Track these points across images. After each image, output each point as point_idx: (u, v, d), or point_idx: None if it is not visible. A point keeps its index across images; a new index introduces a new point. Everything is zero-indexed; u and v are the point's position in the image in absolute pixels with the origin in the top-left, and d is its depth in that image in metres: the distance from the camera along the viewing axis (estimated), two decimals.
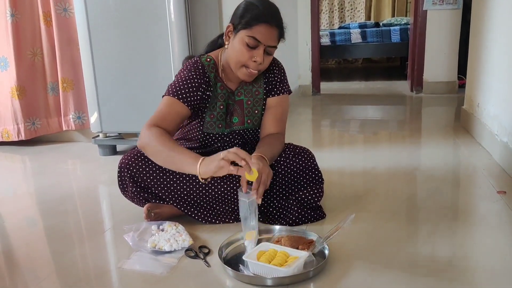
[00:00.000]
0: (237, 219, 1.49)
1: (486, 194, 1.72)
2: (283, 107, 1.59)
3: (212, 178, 1.37)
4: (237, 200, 1.49)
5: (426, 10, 4.32)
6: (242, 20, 1.38)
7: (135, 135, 2.60)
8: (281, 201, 1.51)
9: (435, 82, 4.48)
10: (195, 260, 1.27)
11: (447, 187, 1.87)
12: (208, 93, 1.49)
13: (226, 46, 1.47)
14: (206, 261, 1.25)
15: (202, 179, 1.28)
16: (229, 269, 1.17)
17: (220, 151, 1.26)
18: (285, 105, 1.60)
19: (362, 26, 6.67)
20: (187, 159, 1.29)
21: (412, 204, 1.69)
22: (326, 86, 5.27)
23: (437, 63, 4.43)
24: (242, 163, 1.22)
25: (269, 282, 1.12)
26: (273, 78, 1.58)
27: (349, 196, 1.75)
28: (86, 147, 2.83)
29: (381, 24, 6.79)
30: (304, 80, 4.82)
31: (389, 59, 8.15)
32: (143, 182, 1.49)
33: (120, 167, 1.52)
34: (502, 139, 2.08)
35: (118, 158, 1.67)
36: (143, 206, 1.53)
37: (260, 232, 1.34)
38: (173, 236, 1.35)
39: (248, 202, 1.25)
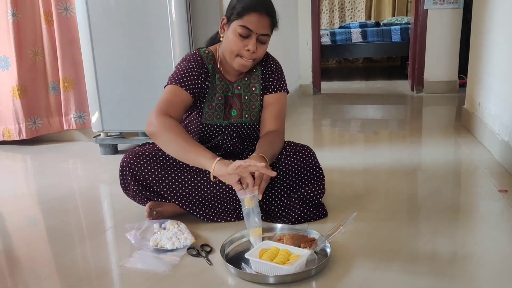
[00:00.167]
0: (239, 218, 1.50)
1: (487, 193, 1.72)
2: (281, 105, 1.60)
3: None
4: (239, 198, 1.49)
5: (427, 10, 4.32)
6: (234, 11, 1.42)
7: (136, 134, 2.61)
8: (282, 198, 1.51)
9: (435, 82, 4.48)
10: (197, 258, 1.27)
11: (448, 186, 1.87)
12: (206, 83, 1.52)
13: (221, 39, 1.50)
14: (208, 259, 1.25)
15: (213, 177, 1.30)
16: (231, 267, 1.17)
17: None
18: (283, 103, 1.61)
19: (362, 26, 6.66)
20: (205, 153, 1.32)
21: (413, 203, 1.69)
22: (326, 86, 5.27)
23: (438, 62, 4.43)
24: (248, 183, 1.28)
25: (271, 280, 1.12)
26: (270, 74, 1.59)
27: (350, 195, 1.75)
28: (87, 146, 2.83)
29: (381, 23, 6.78)
30: (305, 79, 4.83)
31: (389, 58, 8.15)
32: (145, 180, 1.50)
33: (122, 166, 1.52)
34: (503, 138, 2.08)
35: (119, 157, 1.67)
36: (145, 205, 1.53)
37: (262, 230, 1.35)
38: (175, 234, 1.36)
39: (249, 197, 1.27)
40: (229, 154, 1.58)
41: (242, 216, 1.31)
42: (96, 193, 2.02)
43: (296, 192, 1.50)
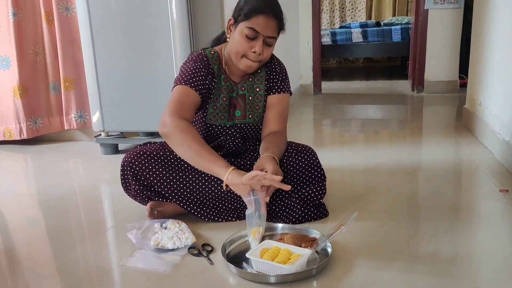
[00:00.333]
0: (240, 217, 1.50)
1: (488, 192, 1.72)
2: (284, 105, 1.61)
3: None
4: (240, 198, 1.49)
5: (428, 10, 4.32)
6: (241, 12, 1.42)
7: (137, 134, 2.61)
8: (284, 199, 1.51)
9: (436, 82, 4.48)
10: (198, 258, 1.27)
11: (448, 186, 1.87)
12: (213, 83, 1.52)
13: (227, 39, 1.50)
14: (209, 259, 1.25)
15: (226, 186, 1.31)
16: (232, 267, 1.17)
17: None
18: (286, 103, 1.62)
19: (363, 26, 6.66)
20: (219, 161, 1.32)
21: (414, 203, 1.69)
22: (327, 86, 5.27)
23: (438, 62, 4.42)
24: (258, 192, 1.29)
25: (272, 280, 1.12)
26: (274, 76, 1.60)
27: (350, 195, 1.75)
28: (88, 146, 2.83)
29: (382, 23, 6.78)
30: (306, 79, 4.83)
31: (390, 58, 8.14)
32: (146, 180, 1.50)
33: (123, 166, 1.52)
34: (504, 138, 2.08)
35: (120, 157, 1.67)
36: (146, 205, 1.53)
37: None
38: (176, 234, 1.36)
39: (253, 200, 1.27)
40: (231, 154, 1.58)
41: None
42: (97, 193, 2.02)
43: (297, 192, 1.50)
